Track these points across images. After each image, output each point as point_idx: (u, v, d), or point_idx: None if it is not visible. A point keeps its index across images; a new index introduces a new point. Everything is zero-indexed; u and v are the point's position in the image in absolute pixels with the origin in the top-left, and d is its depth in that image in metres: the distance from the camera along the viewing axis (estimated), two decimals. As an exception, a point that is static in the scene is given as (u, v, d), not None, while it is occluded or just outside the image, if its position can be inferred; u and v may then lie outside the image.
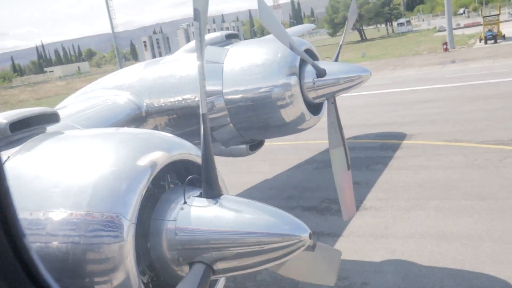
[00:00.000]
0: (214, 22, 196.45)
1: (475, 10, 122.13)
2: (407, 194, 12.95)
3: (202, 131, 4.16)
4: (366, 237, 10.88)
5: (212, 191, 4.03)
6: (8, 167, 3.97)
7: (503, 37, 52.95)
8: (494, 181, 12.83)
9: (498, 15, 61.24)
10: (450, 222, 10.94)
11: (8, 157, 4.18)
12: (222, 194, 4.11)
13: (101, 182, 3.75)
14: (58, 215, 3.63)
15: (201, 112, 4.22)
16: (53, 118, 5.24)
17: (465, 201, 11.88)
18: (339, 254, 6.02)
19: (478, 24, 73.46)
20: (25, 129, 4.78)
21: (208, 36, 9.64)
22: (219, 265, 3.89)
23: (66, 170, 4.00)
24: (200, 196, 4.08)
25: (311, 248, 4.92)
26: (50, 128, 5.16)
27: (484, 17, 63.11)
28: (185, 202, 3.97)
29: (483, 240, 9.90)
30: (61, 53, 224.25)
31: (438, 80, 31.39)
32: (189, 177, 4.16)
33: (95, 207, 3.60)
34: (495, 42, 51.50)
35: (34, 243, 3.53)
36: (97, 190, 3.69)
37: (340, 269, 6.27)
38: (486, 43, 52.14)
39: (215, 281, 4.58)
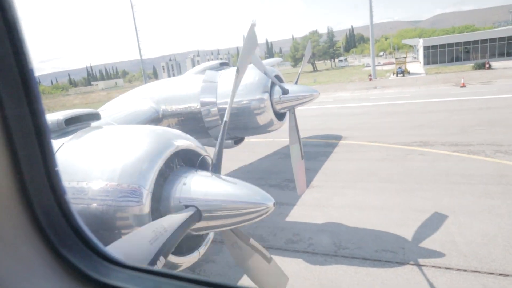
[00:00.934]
0: (212, 54, 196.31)
1: (390, 53, 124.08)
2: (342, 177, 13.01)
3: (221, 134, 4.39)
4: (313, 206, 10.89)
5: (217, 170, 4.23)
6: (62, 150, 4.15)
7: (408, 72, 53.95)
8: (400, 170, 12.96)
9: (405, 57, 62.53)
10: (370, 197, 11.02)
11: (63, 143, 4.29)
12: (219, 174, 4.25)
13: (128, 162, 3.82)
14: (97, 185, 3.71)
15: (224, 119, 4.50)
16: (96, 116, 5.35)
17: (380, 183, 11.97)
18: (286, 279, 5.95)
19: (392, 63, 74.59)
20: (76, 123, 4.92)
21: (208, 64, 9.79)
22: (209, 223, 3.91)
23: (104, 153, 4.05)
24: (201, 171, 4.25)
25: (268, 260, 5.20)
26: (93, 124, 5.26)
27: (396, 58, 64.30)
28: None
29: (392, 211, 9.99)
30: (104, 72, 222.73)
31: (364, 100, 31.74)
32: (201, 157, 4.51)
33: (123, 180, 3.70)
34: (403, 75, 52.35)
35: (78, 204, 3.67)
36: (125, 168, 3.77)
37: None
38: (397, 76, 52.88)
39: (206, 235, 4.59)
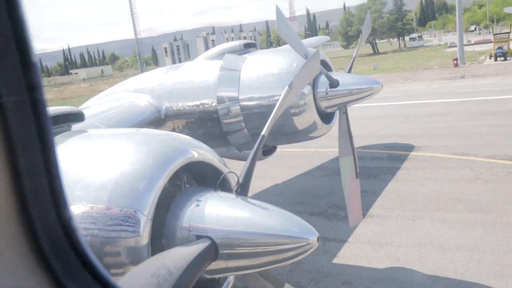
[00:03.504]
0: (232, 31, 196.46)
1: (486, 27, 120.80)
2: (413, 204, 12.91)
3: (255, 148, 4.54)
4: (371, 244, 10.87)
5: (244, 191, 4.22)
6: None
7: (512, 55, 52.35)
8: (499, 196, 12.75)
9: (508, 33, 59.91)
10: (454, 234, 10.89)
11: None
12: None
13: (121, 179, 3.81)
14: (79, 208, 3.68)
15: (262, 133, 4.58)
16: (78, 117, 5.35)
17: (470, 214, 11.83)
18: None
19: (489, 41, 72.63)
20: (52, 126, 4.81)
21: (226, 45, 9.70)
22: (229, 263, 3.95)
23: (89, 167, 4.07)
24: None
25: (281, 285, 5.08)
26: (75, 127, 5.23)
27: (495, 34, 61.91)
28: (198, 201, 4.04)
29: (485, 253, 9.86)
30: (86, 57, 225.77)
31: (447, 95, 31.24)
32: (222, 175, 4.43)
33: (115, 202, 3.67)
34: (505, 59, 50.66)
35: None
36: (117, 186, 3.75)
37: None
38: (496, 60, 51.44)
39: (224, 279, 4.57)
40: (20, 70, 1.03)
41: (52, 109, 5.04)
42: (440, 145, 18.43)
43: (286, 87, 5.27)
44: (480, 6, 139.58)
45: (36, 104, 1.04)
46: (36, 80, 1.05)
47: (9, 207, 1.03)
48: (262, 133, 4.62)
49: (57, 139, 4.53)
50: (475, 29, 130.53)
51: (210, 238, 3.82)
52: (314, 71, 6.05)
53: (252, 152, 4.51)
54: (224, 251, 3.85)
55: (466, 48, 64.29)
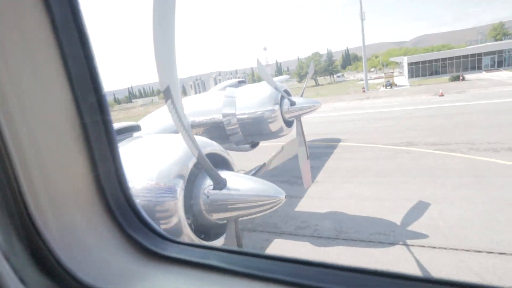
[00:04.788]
0: (231, 74, 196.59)
1: (380, 69, 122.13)
2: (341, 174, 12.94)
3: (257, 168, 4.73)
4: (317, 198, 10.87)
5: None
6: None
7: (395, 85, 53.06)
8: (390, 166, 12.84)
9: (393, 72, 61.71)
10: (365, 190, 10.95)
11: None
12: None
13: (165, 165, 3.80)
14: (140, 184, 3.68)
15: (264, 162, 4.57)
16: (137, 128, 5.32)
17: (374, 178, 11.89)
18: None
19: (382, 77, 73.65)
20: (121, 134, 4.89)
21: (228, 82, 9.81)
22: (232, 213, 3.92)
23: (145, 158, 4.03)
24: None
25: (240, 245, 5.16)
26: (135, 134, 5.22)
27: (385, 73, 63.42)
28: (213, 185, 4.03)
29: (384, 201, 9.92)
30: (142, 91, 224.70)
31: (358, 109, 31.42)
32: (224, 159, 4.56)
33: (161, 180, 3.67)
34: (391, 87, 51.49)
35: None
36: (162, 170, 3.75)
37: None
38: (386, 88, 52.09)
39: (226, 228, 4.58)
40: (95, 101, 1.00)
41: (121, 124, 5.07)
42: (356, 138, 18.49)
43: (280, 147, 5.50)
44: (376, 57, 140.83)
45: (105, 122, 1.01)
46: (105, 107, 1.02)
47: (90, 185, 1.01)
48: (265, 162, 4.94)
49: (122, 142, 4.54)
50: (374, 70, 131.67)
51: (224, 179, 3.88)
52: (293, 151, 6.26)
53: (257, 168, 4.79)
54: (230, 206, 3.84)
55: (369, 81, 64.93)
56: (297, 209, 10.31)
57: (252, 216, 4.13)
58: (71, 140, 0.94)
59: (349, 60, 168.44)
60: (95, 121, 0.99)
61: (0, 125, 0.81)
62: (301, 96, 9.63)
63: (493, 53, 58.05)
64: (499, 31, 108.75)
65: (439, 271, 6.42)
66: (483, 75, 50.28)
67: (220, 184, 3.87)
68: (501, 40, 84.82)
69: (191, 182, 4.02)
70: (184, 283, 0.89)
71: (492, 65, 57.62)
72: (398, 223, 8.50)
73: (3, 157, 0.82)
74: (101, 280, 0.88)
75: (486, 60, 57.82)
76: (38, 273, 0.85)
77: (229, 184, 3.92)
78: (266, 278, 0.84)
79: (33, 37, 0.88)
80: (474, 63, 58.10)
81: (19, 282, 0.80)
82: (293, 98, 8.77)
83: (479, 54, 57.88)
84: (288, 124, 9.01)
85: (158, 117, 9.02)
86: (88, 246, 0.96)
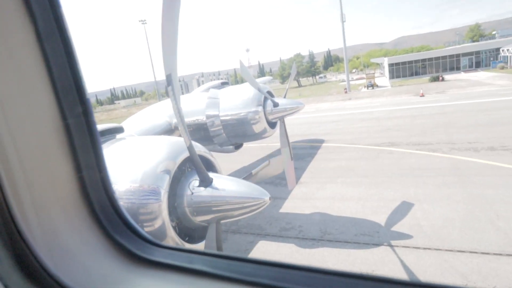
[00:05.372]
0: (214, 75, 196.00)
1: (361, 70, 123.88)
2: (325, 174, 13.03)
3: (247, 175, 4.81)
4: (301, 199, 10.91)
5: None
6: None
7: (377, 86, 53.93)
8: (373, 166, 13.00)
9: (374, 73, 62.84)
10: (348, 190, 11.05)
11: None
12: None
13: (148, 167, 3.78)
14: (123, 186, 3.66)
15: (252, 172, 4.85)
16: (120, 130, 5.33)
17: (357, 178, 12.02)
18: None
19: (363, 78, 74.63)
20: (104, 136, 4.86)
21: (211, 83, 9.79)
22: (216, 215, 3.91)
23: (128, 160, 4.02)
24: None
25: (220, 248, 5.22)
26: (118, 136, 5.20)
27: (366, 74, 64.37)
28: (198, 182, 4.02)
29: (366, 201, 10.03)
30: (125, 92, 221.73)
31: (341, 109, 31.78)
32: (208, 161, 4.58)
33: (144, 182, 3.66)
34: (373, 88, 52.28)
35: None
36: (146, 172, 3.73)
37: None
38: (367, 88, 52.86)
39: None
40: (78, 103, 1.00)
41: (103, 126, 5.04)
42: (339, 139, 18.68)
43: (266, 162, 5.58)
44: (357, 58, 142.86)
45: (89, 123, 1.01)
46: (89, 108, 1.01)
47: (74, 188, 0.99)
48: (252, 172, 4.92)
49: (105, 144, 4.51)
50: (355, 71, 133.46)
51: (211, 178, 3.93)
52: (278, 168, 6.37)
53: (247, 174, 4.80)
54: (214, 208, 3.85)
55: (351, 82, 65.74)
56: (281, 210, 10.32)
57: (237, 218, 4.13)
58: (54, 144, 0.94)
59: (331, 61, 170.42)
60: (79, 124, 0.98)
61: None
62: (284, 97, 9.67)
63: (470, 54, 59.79)
64: (476, 33, 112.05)
65: (424, 272, 6.51)
66: (462, 75, 51.66)
67: (205, 181, 3.87)
68: (478, 41, 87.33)
69: (175, 184, 4.01)
70: (169, 287, 0.88)
71: (470, 66, 59.34)
72: (382, 223, 8.61)
73: None
74: (86, 285, 0.87)
75: (464, 61, 59.49)
76: (22, 279, 0.84)
77: (214, 185, 3.93)
78: (251, 282, 0.84)
79: (15, 40, 0.87)
80: (452, 63, 59.70)
81: None
82: (276, 99, 8.79)
83: (457, 55, 59.54)
84: (272, 125, 9.04)
85: (141, 118, 8.93)
86: (73, 251, 0.95)
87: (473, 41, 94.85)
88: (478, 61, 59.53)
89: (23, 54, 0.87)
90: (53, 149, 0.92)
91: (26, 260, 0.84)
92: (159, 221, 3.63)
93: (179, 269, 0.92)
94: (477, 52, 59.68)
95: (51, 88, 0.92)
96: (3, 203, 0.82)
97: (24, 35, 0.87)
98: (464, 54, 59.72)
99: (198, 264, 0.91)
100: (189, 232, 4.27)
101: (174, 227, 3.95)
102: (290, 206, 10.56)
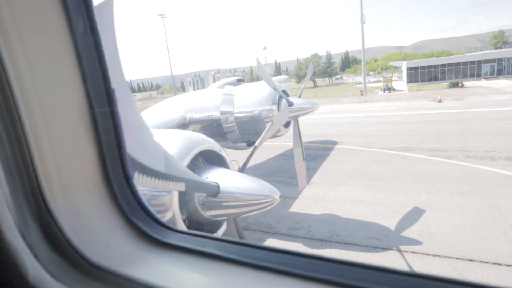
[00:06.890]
0: (230, 72, 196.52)
1: (379, 73, 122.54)
2: (336, 176, 13.00)
3: (251, 151, 4.92)
4: (312, 199, 10.92)
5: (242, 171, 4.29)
6: None
7: (394, 89, 53.45)
8: (385, 171, 12.92)
9: (391, 76, 62.24)
10: (359, 193, 11.02)
11: None
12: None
13: None
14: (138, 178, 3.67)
15: (255, 145, 4.57)
16: None
17: (369, 182, 11.96)
18: None
19: (380, 81, 74.06)
20: None
21: (227, 80, 9.83)
22: (226, 211, 3.96)
23: None
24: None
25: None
26: None
27: (383, 77, 63.77)
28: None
29: (377, 205, 9.99)
30: (141, 86, 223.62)
31: (356, 112, 31.55)
32: (221, 157, 4.58)
33: None
34: (389, 91, 51.81)
35: None
36: None
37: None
38: (384, 92, 52.40)
39: (222, 222, 4.59)
40: (104, 93, 1.06)
41: None
42: (352, 141, 18.58)
43: (270, 123, 5.51)
44: (375, 60, 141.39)
45: (113, 114, 1.08)
46: (113, 99, 1.08)
47: (97, 172, 1.07)
48: (255, 145, 4.86)
49: None
50: (373, 74, 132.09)
51: (218, 184, 3.88)
52: (284, 119, 6.25)
53: (249, 154, 4.77)
54: (224, 204, 3.88)
55: (368, 85, 65.24)
56: (291, 209, 10.35)
57: (247, 215, 4.18)
58: (81, 131, 1.02)
59: (348, 62, 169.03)
60: (104, 113, 1.05)
61: (21, 117, 0.88)
62: (299, 97, 9.68)
63: (492, 61, 58.56)
64: (499, 39, 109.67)
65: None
66: (482, 82, 50.71)
67: (213, 191, 3.87)
68: (501, 48, 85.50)
69: None
70: (181, 268, 0.95)
71: (492, 73, 58.13)
72: (392, 228, 8.57)
73: (23, 145, 0.90)
74: (105, 259, 0.95)
75: (485, 68, 58.31)
76: (50, 250, 0.93)
77: (224, 183, 3.95)
78: (260, 266, 0.90)
79: (52, 38, 0.95)
80: (473, 70, 58.60)
81: (33, 258, 0.88)
82: (291, 99, 8.81)
83: (479, 62, 58.39)
84: (285, 124, 9.07)
85: (156, 112, 9.06)
86: (94, 228, 1.03)
87: (496, 48, 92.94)
88: (500, 69, 58.26)
89: (57, 48, 0.96)
90: (80, 136, 1.01)
91: (53, 234, 0.93)
92: (170, 213, 3.69)
93: (192, 252, 0.99)
94: (500, 59, 58.41)
95: (81, 80, 1.01)
96: (35, 183, 0.92)
97: (59, 32, 0.96)
98: (486, 61, 58.55)
99: (210, 248, 0.97)
100: (198, 227, 4.34)
101: (184, 220, 4.02)
102: (300, 205, 10.58)
